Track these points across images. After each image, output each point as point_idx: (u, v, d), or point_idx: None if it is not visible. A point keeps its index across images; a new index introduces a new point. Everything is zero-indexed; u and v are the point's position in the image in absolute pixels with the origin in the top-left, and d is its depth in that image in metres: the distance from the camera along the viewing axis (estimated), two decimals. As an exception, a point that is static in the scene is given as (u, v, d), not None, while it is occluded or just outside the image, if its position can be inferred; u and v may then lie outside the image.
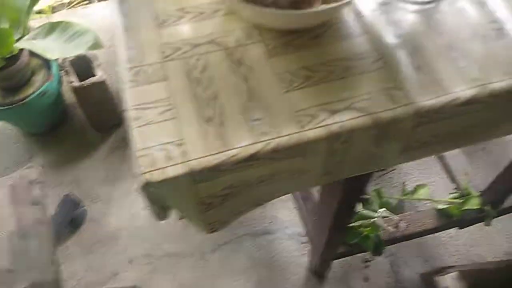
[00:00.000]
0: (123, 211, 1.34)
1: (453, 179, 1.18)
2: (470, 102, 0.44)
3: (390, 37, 0.49)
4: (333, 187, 0.72)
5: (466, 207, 1.07)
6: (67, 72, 1.34)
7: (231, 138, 0.42)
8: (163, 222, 1.17)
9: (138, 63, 0.47)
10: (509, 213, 1.15)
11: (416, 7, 0.52)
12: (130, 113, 0.43)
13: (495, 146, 1.46)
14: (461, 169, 1.18)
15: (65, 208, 1.28)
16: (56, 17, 1.90)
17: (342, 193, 0.69)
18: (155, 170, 0.39)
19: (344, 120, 0.42)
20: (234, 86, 0.45)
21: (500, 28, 0.49)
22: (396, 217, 1.08)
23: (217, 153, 0.41)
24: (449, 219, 1.10)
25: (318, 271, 1.22)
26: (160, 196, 0.42)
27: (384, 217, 1.10)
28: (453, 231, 1.28)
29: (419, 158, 0.52)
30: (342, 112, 0.43)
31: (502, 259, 1.22)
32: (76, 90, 1.32)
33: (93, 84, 1.30)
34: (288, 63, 0.48)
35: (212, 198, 0.44)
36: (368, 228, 1.05)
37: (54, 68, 1.36)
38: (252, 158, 0.41)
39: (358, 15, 0.51)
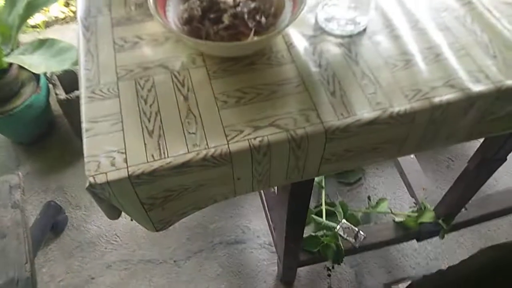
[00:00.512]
0: (102, 219, 1.40)
1: (412, 194, 1.26)
2: (372, 123, 0.52)
3: (313, 66, 0.57)
4: (283, 196, 0.79)
5: (421, 220, 1.15)
6: (54, 85, 1.43)
7: (168, 148, 0.49)
8: (140, 229, 1.24)
9: (94, 82, 0.55)
10: (462, 227, 1.22)
11: (338, 40, 0.60)
12: (84, 125, 0.51)
13: (460, 163, 1.54)
14: (420, 184, 1.26)
15: (48, 213, 1.35)
16: (49, 32, 2.00)
17: (289, 201, 0.76)
18: (99, 174, 0.47)
19: (265, 135, 0.50)
20: (175, 104, 0.53)
21: (409, 60, 0.57)
22: (356, 228, 1.15)
23: (153, 161, 0.48)
24: (406, 232, 1.17)
25: (285, 279, 1.28)
26: (106, 197, 0.50)
27: (345, 227, 1.17)
28: (417, 244, 1.35)
29: (339, 170, 0.60)
30: (264, 128, 0.51)
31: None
32: (62, 102, 1.40)
33: (78, 96, 1.38)
34: (225, 85, 0.56)
35: (153, 199, 0.52)
36: (328, 238, 1.12)
37: (42, 81, 1.45)
38: (185, 166, 0.49)
39: (290, 45, 0.60)
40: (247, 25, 0.58)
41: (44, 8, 1.41)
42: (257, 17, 0.59)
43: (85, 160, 0.48)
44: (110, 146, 0.49)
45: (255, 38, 0.57)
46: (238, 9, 0.58)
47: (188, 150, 0.49)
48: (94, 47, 0.59)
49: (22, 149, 1.59)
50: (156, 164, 0.48)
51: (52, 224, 1.33)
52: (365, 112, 0.52)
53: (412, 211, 1.20)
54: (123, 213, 0.56)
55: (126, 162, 0.48)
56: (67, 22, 2.10)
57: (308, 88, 0.55)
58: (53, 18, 2.12)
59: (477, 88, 0.54)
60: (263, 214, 1.38)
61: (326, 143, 0.52)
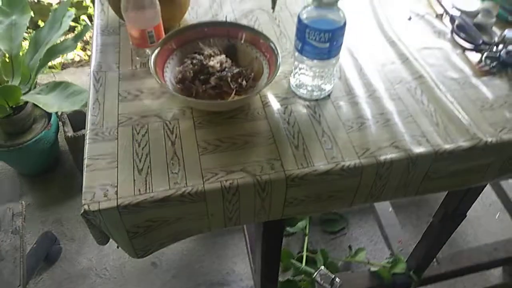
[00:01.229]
0: (94, 252, 1.47)
1: (389, 245, 1.32)
2: (326, 174, 0.61)
3: (282, 123, 0.68)
4: (258, 236, 0.87)
5: (394, 271, 1.21)
6: (63, 123, 1.55)
7: (153, 184, 0.59)
8: (129, 264, 1.32)
9: (98, 126, 0.66)
10: (435, 281, 1.27)
11: (306, 102, 0.71)
12: (86, 161, 0.61)
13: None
14: (396, 237, 1.33)
15: (43, 243, 1.42)
16: (64, 74, 2.17)
17: (262, 240, 0.84)
18: (93, 202, 0.56)
19: (235, 178, 0.60)
20: (163, 148, 0.64)
21: (362, 122, 0.68)
22: (332, 275, 1.21)
23: (139, 194, 0.58)
24: (380, 281, 1.23)
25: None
26: (97, 224, 0.59)
27: (323, 274, 1.23)
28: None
29: (302, 213, 0.69)
30: (235, 172, 0.61)
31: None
32: (69, 139, 1.51)
33: (84, 135, 1.49)
34: (207, 134, 0.66)
35: (137, 228, 0.61)
36: (305, 283, 1.18)
37: (53, 119, 1.57)
38: (165, 200, 0.58)
39: (265, 104, 0.71)
40: (230, 86, 0.70)
41: (63, 54, 1.56)
42: (239, 80, 0.71)
43: (83, 190, 0.58)
44: (105, 180, 0.59)
45: (236, 97, 0.69)
46: (224, 73, 0.70)
47: (169, 187, 0.58)
48: (102, 96, 0.71)
49: (26, 180, 1.68)
50: (141, 197, 0.57)
51: (47, 254, 1.39)
52: (321, 164, 0.62)
53: (387, 262, 1.27)
54: (110, 243, 0.65)
55: (117, 194, 0.57)
56: (82, 66, 2.28)
57: (276, 141, 0.65)
58: (69, 61, 2.30)
59: (418, 150, 0.64)
60: (248, 258, 1.44)
61: (287, 188, 0.62)
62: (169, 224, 0.63)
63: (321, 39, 0.63)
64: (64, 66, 2.26)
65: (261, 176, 0.60)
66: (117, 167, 0.61)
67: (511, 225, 1.55)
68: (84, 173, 0.60)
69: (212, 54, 0.73)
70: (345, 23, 0.63)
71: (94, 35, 0.84)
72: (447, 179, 0.70)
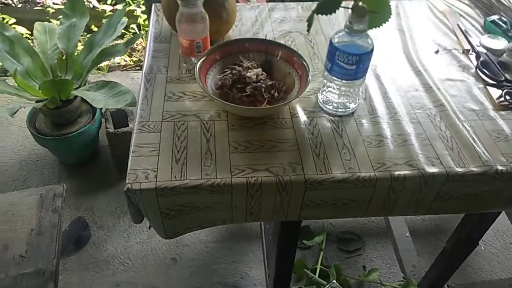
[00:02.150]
0: (120, 242, 1.56)
1: (402, 269, 1.35)
2: (343, 182, 0.68)
3: (307, 133, 0.75)
4: (274, 240, 0.94)
5: (404, 293, 1.23)
6: (106, 120, 1.67)
7: (188, 173, 0.67)
8: (151, 257, 1.40)
9: (145, 119, 0.75)
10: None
11: (331, 117, 0.78)
12: (132, 148, 0.70)
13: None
14: (411, 261, 1.35)
15: (75, 228, 1.53)
16: (110, 76, 2.32)
17: (278, 242, 0.90)
18: (135, 183, 0.65)
19: (259, 176, 0.67)
20: (199, 143, 0.72)
21: (381, 140, 0.74)
22: (343, 289, 1.25)
23: (175, 180, 0.66)
24: (390, 302, 1.25)
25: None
26: (135, 202, 0.67)
27: (334, 287, 1.27)
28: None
29: (318, 217, 0.75)
30: (260, 171, 0.68)
31: None
32: (109, 135, 1.63)
33: (124, 133, 1.61)
34: (239, 136, 0.74)
35: (170, 210, 0.69)
36: (316, 292, 1.22)
37: (97, 115, 1.70)
38: (197, 188, 0.66)
39: (293, 115, 0.78)
40: (263, 96, 0.78)
41: (114, 57, 1.70)
42: (272, 92, 0.79)
43: (128, 171, 0.66)
44: (147, 165, 0.68)
45: (267, 106, 0.77)
46: (259, 84, 0.78)
47: (201, 177, 0.66)
48: (150, 95, 0.80)
49: (65, 169, 1.81)
50: (176, 183, 0.65)
51: (77, 237, 1.50)
52: (339, 173, 0.68)
53: (399, 284, 1.29)
54: (140, 233, 0.73)
55: (156, 178, 0.65)
56: (126, 70, 2.43)
57: (300, 148, 0.72)
58: (116, 64, 2.46)
59: (430, 170, 0.69)
60: (263, 264, 1.49)
61: (305, 191, 0.68)
62: (197, 210, 0.71)
63: (349, 62, 0.70)
64: (110, 69, 2.42)
65: (283, 177, 0.67)
66: (158, 155, 0.69)
67: (530, 266, 1.53)
68: (130, 158, 0.69)
69: (250, 66, 0.82)
70: (372, 49, 0.71)
71: (148, 41, 0.94)
72: (458, 201, 0.75)
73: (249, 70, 0.81)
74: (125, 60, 2.49)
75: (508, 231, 1.66)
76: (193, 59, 0.86)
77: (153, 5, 1.06)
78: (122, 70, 2.43)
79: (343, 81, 0.74)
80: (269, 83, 0.79)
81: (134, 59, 2.49)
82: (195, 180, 0.66)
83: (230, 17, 0.92)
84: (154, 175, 0.66)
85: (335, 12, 0.64)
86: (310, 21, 0.66)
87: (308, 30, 0.67)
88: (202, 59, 0.79)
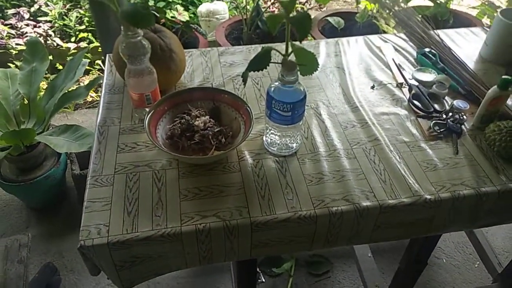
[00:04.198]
0: (91, 285, 1.56)
1: (366, 288, 1.40)
2: (286, 221, 0.73)
3: (253, 175, 0.80)
4: (235, 276, 0.97)
5: (368, 313, 1.28)
6: (71, 161, 1.69)
7: (139, 225, 0.71)
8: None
9: (98, 174, 0.79)
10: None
11: (276, 158, 0.84)
12: (85, 203, 0.74)
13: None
14: (374, 281, 1.40)
15: (44, 274, 1.52)
16: (76, 114, 2.33)
17: (238, 278, 0.94)
18: (88, 239, 0.68)
19: (208, 222, 0.71)
20: (150, 194, 0.76)
21: (321, 178, 0.80)
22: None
23: (126, 233, 0.69)
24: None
25: None
26: (90, 257, 0.70)
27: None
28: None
29: (267, 254, 0.79)
30: (208, 217, 0.72)
31: None
32: (75, 177, 1.64)
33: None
34: (189, 183, 0.78)
35: (123, 262, 0.72)
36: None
37: (62, 157, 1.71)
38: (148, 239, 0.70)
39: (240, 159, 0.83)
40: (211, 142, 0.83)
41: (76, 100, 1.72)
42: (219, 138, 0.84)
43: (81, 228, 0.70)
44: (99, 220, 0.71)
45: (215, 152, 0.82)
46: (206, 131, 0.83)
47: (152, 228, 0.70)
48: (103, 147, 0.84)
49: (33, 213, 1.80)
50: (128, 236, 0.69)
51: (47, 284, 1.49)
52: (282, 213, 0.74)
53: (364, 304, 1.34)
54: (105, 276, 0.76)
55: (108, 233, 0.69)
56: (93, 107, 2.45)
57: (246, 191, 0.77)
58: (81, 102, 2.47)
59: (365, 203, 0.76)
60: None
61: (252, 232, 0.73)
62: (151, 260, 0.74)
63: (284, 109, 0.76)
64: (76, 106, 2.44)
65: (230, 221, 0.72)
66: (110, 209, 0.73)
67: (489, 274, 1.61)
68: (83, 214, 0.72)
69: (198, 114, 0.87)
70: (305, 96, 0.77)
71: (102, 93, 0.99)
72: (395, 229, 0.81)
73: (197, 119, 0.86)
74: (91, 96, 2.51)
75: (467, 242, 1.75)
76: (145, 109, 0.90)
77: (107, 55, 1.11)
78: (88, 107, 2.45)
79: (282, 125, 0.80)
80: (216, 130, 0.84)
81: (100, 92, 2.51)
82: (146, 231, 0.70)
83: (179, 67, 0.97)
84: (106, 230, 0.70)
85: (266, 68, 0.71)
86: (245, 77, 0.72)
87: (244, 84, 0.73)
88: (151, 112, 0.84)
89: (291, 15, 0.67)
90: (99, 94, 1.01)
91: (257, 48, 1.17)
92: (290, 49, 0.72)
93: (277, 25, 0.68)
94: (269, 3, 3.12)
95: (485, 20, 2.07)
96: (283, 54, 0.73)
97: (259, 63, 0.71)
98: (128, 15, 0.71)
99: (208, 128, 0.84)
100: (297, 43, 0.69)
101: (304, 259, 1.66)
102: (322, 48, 1.16)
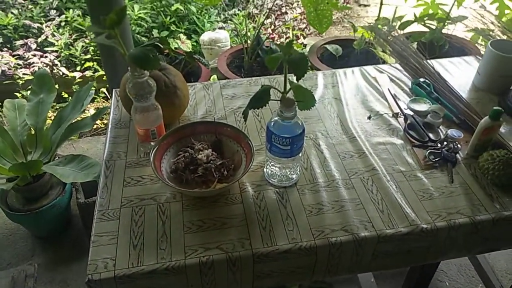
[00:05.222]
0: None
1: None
2: (287, 252, 0.75)
3: (254, 207, 0.83)
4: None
5: None
6: (76, 190, 1.72)
7: (144, 259, 0.73)
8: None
9: (105, 208, 0.82)
10: None
11: (276, 189, 0.86)
12: (92, 238, 0.76)
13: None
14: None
15: (49, 303, 1.52)
16: (81, 142, 2.37)
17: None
18: (96, 273, 0.71)
19: (211, 254, 0.74)
20: (155, 227, 0.79)
21: (320, 208, 0.83)
22: None
23: (133, 267, 0.72)
24: None
25: None
26: (98, 290, 0.73)
27: None
28: None
29: (271, 285, 0.81)
30: (212, 249, 0.75)
31: None
32: (80, 205, 1.67)
33: (95, 202, 1.65)
34: (193, 216, 0.81)
35: (130, 295, 0.74)
36: None
37: (68, 186, 1.75)
38: (153, 272, 0.72)
39: (242, 190, 0.86)
40: (213, 175, 0.86)
41: (82, 130, 1.76)
42: (222, 170, 0.87)
43: (89, 262, 0.72)
44: (106, 254, 0.74)
45: (218, 185, 0.85)
46: (209, 164, 0.87)
47: (157, 261, 0.73)
48: (110, 182, 0.88)
49: (38, 242, 1.82)
50: (133, 270, 0.71)
51: (51, 313, 1.50)
52: (283, 244, 0.76)
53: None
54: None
55: (114, 267, 0.71)
56: (98, 134, 2.49)
57: (248, 223, 0.80)
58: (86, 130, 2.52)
59: (363, 233, 0.78)
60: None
61: (254, 264, 0.75)
62: (156, 292, 0.76)
63: (283, 143, 0.79)
64: (81, 134, 2.48)
65: (232, 253, 0.74)
66: (117, 243, 0.76)
67: (493, 298, 1.61)
68: (90, 248, 0.75)
69: (201, 148, 0.90)
70: (303, 130, 0.80)
71: (108, 128, 1.03)
72: (393, 257, 0.83)
73: (200, 152, 0.89)
74: (96, 124, 2.55)
75: (470, 265, 1.75)
76: (150, 143, 0.94)
77: (114, 90, 1.15)
78: (93, 135, 2.50)
79: (282, 158, 0.83)
80: (218, 163, 0.88)
81: (105, 121, 2.56)
82: (151, 265, 0.72)
83: (183, 102, 1.01)
84: (112, 263, 0.72)
85: (265, 105, 0.74)
86: (245, 114, 0.76)
87: (245, 121, 0.77)
88: (156, 147, 0.87)
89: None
90: (104, 121, 1.05)
91: (257, 81, 1.21)
92: (288, 87, 0.76)
93: (276, 65, 0.72)
94: (269, 30, 3.20)
95: (481, 42, 2.12)
96: (281, 92, 0.77)
97: (259, 101, 0.74)
98: (136, 58, 0.75)
99: (211, 162, 0.88)
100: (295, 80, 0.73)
101: (308, 285, 1.66)
102: (320, 79, 1.21)
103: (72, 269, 1.71)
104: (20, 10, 2.96)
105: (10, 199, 1.71)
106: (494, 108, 0.89)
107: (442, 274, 1.71)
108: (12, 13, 2.91)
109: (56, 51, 2.77)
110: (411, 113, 1.06)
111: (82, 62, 2.78)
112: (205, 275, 0.75)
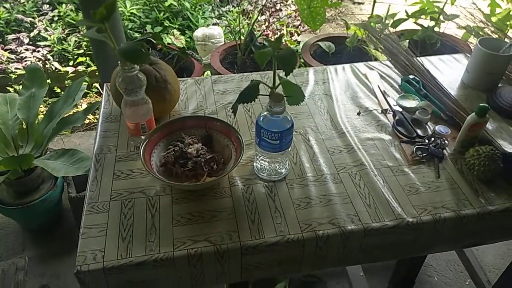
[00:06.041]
0: (86, 306, 1.57)
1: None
2: (275, 245, 0.76)
3: (243, 200, 0.83)
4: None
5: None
6: (68, 184, 1.72)
7: (133, 251, 0.74)
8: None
9: (94, 201, 0.82)
10: None
11: (265, 183, 0.87)
12: (81, 230, 0.77)
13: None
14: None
15: (40, 297, 1.53)
16: (73, 137, 2.37)
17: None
18: (84, 264, 0.71)
19: (199, 247, 0.75)
20: (144, 220, 0.79)
21: (308, 202, 0.84)
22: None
23: (121, 259, 0.72)
24: None
25: None
26: (86, 282, 0.73)
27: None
28: None
29: (258, 277, 0.82)
30: (200, 242, 0.75)
31: None
32: (72, 199, 1.67)
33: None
34: (182, 209, 0.82)
35: (117, 287, 0.75)
36: None
37: (59, 180, 1.74)
38: (142, 264, 0.73)
39: (232, 184, 0.87)
40: (203, 169, 0.87)
41: (73, 125, 1.76)
42: (211, 164, 0.88)
43: (77, 254, 0.73)
44: (95, 246, 0.74)
45: (207, 179, 0.85)
46: (199, 158, 0.87)
47: (145, 253, 0.73)
48: (100, 175, 0.88)
49: (29, 235, 1.82)
50: (122, 261, 0.72)
51: (42, 307, 1.50)
52: (271, 237, 0.77)
53: (357, 325, 1.36)
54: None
55: (103, 258, 0.72)
56: (91, 129, 2.49)
57: (237, 216, 0.81)
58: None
59: (350, 227, 0.79)
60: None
61: (242, 256, 0.76)
62: (145, 284, 0.77)
63: (272, 137, 0.80)
64: (73, 128, 2.48)
65: (220, 246, 0.75)
66: (106, 235, 0.76)
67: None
68: (79, 240, 0.75)
69: (191, 142, 0.91)
70: (292, 125, 0.81)
71: (99, 122, 1.03)
72: (380, 251, 0.84)
73: (190, 146, 0.90)
74: (88, 119, 2.55)
75: (459, 259, 1.77)
76: (140, 137, 0.94)
77: (105, 85, 1.15)
78: (85, 130, 2.49)
79: (271, 153, 0.84)
80: (208, 157, 0.88)
81: (98, 116, 2.56)
82: (140, 257, 0.73)
83: (173, 97, 1.02)
84: (101, 255, 0.73)
85: (254, 100, 0.75)
86: (234, 109, 0.77)
87: (234, 115, 0.78)
88: (146, 141, 0.87)
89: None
90: (97, 116, 1.05)
91: (249, 76, 1.22)
92: (277, 82, 0.77)
93: (265, 61, 0.73)
94: (263, 26, 3.20)
95: (472, 40, 2.13)
96: (270, 87, 0.78)
97: (248, 96, 0.75)
98: (125, 53, 0.75)
99: (201, 155, 0.88)
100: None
101: (298, 278, 1.68)
102: (311, 76, 1.22)
103: (63, 262, 1.71)
104: (12, 4, 2.94)
105: (1, 193, 1.71)
106: (480, 105, 0.90)
107: (431, 269, 1.74)
108: (4, 7, 2.89)
109: (49, 46, 2.75)
110: (400, 109, 1.07)
111: (75, 57, 2.77)
112: (194, 267, 0.76)
